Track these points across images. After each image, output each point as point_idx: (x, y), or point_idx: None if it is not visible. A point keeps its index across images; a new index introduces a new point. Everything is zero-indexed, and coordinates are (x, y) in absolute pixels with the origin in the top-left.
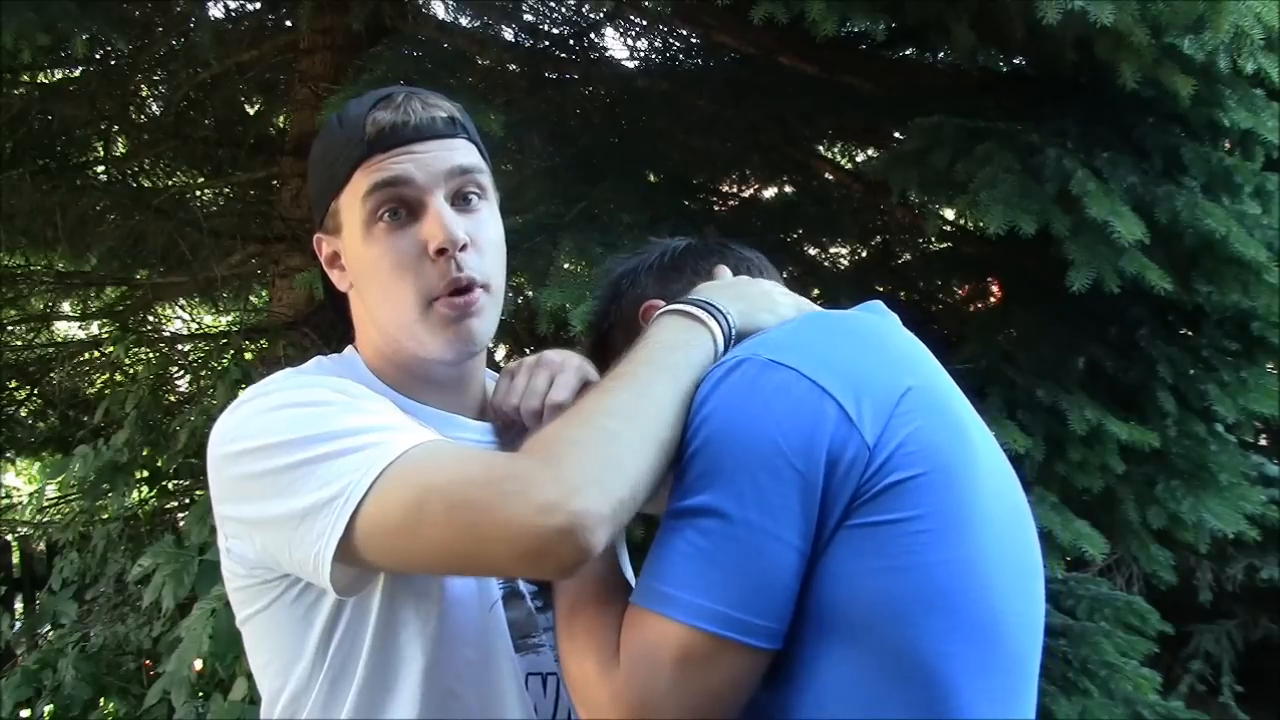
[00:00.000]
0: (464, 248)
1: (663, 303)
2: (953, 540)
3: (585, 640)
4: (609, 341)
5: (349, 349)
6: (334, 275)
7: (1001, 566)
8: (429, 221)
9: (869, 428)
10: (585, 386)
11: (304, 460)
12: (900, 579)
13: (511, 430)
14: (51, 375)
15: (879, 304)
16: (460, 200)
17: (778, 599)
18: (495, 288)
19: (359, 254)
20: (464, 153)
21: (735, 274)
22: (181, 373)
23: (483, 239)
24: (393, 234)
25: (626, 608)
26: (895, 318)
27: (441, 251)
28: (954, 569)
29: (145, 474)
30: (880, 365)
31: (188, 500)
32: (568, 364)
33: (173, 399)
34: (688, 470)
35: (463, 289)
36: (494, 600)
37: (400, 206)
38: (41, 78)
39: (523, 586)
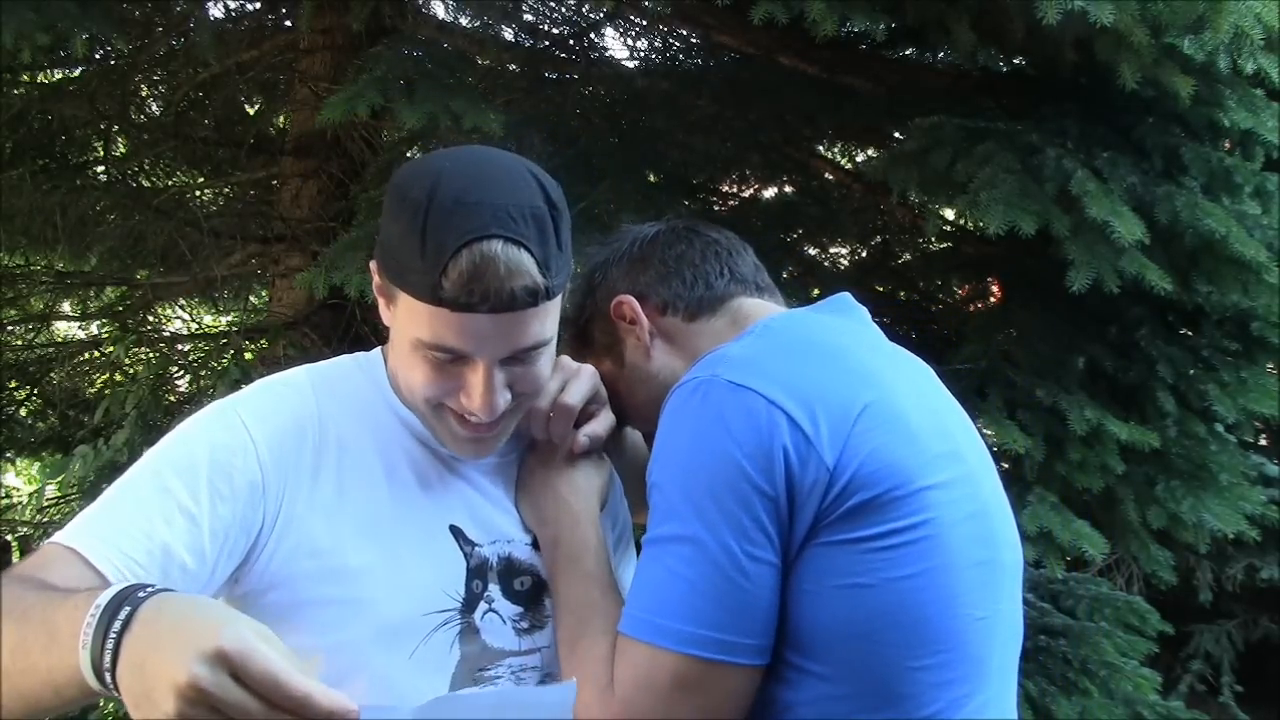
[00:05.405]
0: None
1: (631, 299)
2: (915, 555)
3: (583, 671)
4: (588, 334)
5: (378, 352)
6: (380, 299)
7: (963, 573)
8: (473, 388)
9: (828, 448)
10: (595, 396)
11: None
12: (866, 596)
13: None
14: (51, 375)
15: (846, 298)
16: (516, 360)
17: (761, 616)
18: (532, 402)
19: (397, 343)
20: (536, 323)
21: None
22: (181, 373)
23: (529, 385)
24: (434, 365)
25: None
26: (863, 312)
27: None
28: (917, 583)
29: None
30: (838, 381)
31: None
32: (582, 372)
33: (173, 399)
34: (658, 497)
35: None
36: (413, 648)
37: (450, 359)
38: (41, 78)
39: (500, 608)
